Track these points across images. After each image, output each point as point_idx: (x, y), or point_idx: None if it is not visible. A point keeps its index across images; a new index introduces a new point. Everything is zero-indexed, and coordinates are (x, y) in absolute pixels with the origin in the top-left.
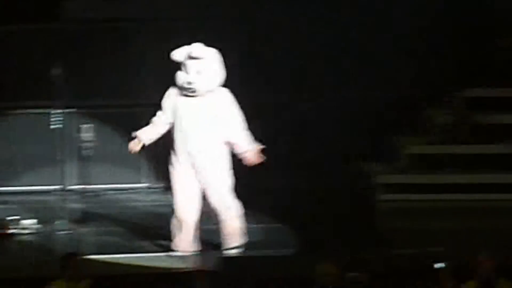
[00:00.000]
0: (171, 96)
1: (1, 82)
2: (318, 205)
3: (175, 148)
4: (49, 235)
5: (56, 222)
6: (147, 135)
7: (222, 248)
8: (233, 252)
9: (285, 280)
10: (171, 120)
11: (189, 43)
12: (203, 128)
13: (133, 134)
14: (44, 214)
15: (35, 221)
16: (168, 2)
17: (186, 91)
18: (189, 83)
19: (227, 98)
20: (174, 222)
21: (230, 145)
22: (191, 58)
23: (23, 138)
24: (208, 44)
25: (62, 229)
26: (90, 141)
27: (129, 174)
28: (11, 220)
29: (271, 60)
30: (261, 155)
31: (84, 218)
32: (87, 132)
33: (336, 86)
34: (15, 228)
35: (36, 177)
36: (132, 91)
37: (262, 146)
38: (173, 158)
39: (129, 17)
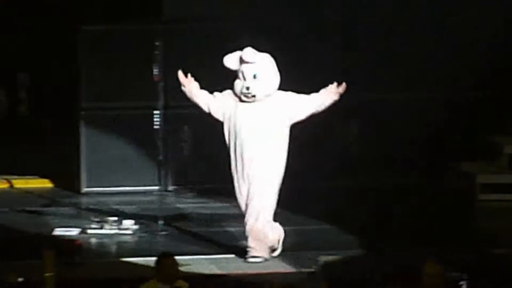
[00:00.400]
0: (227, 97)
1: (104, 83)
2: (416, 204)
3: (232, 154)
4: (149, 235)
5: (156, 223)
6: (196, 85)
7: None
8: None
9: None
10: (216, 115)
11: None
12: (261, 135)
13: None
14: (144, 215)
15: (133, 221)
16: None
17: (245, 97)
18: (247, 88)
19: (286, 95)
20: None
21: (315, 107)
22: (244, 63)
23: (125, 138)
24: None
25: (162, 229)
26: (188, 142)
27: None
28: (113, 220)
29: (363, 59)
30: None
31: (183, 218)
32: (186, 133)
33: (432, 84)
34: (116, 229)
35: (136, 177)
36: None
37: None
38: (232, 164)
39: (229, 16)
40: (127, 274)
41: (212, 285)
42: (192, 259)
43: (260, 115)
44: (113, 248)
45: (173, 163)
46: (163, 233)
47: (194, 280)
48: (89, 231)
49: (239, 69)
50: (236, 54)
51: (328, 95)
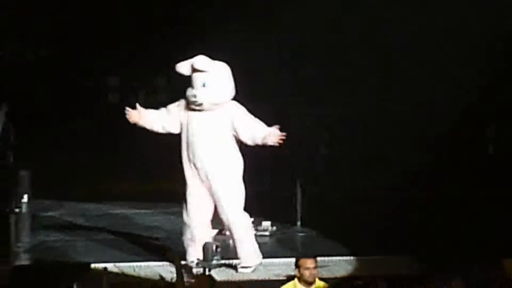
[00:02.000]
0: (181, 107)
1: None
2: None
3: (184, 161)
4: (287, 237)
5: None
6: (147, 114)
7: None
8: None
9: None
10: (173, 130)
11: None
12: (211, 144)
13: (138, 106)
14: (282, 216)
15: (270, 223)
16: None
17: (193, 105)
18: (194, 96)
19: (237, 110)
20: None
21: (251, 140)
22: (195, 70)
23: None
24: None
25: (300, 231)
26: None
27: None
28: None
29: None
30: (281, 134)
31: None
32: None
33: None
34: (254, 230)
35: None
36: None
37: (278, 126)
38: (184, 168)
39: None
40: (266, 275)
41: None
42: (332, 260)
43: (209, 124)
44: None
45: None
46: (301, 234)
47: (333, 282)
48: (226, 232)
49: (191, 77)
50: (189, 61)
51: (270, 137)
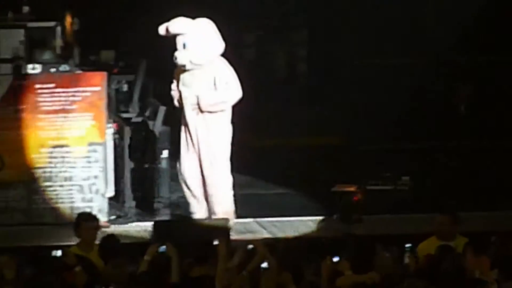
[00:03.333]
0: (177, 69)
1: None
2: None
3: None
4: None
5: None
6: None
7: None
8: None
9: None
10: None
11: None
12: (196, 97)
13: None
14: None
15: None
16: None
17: (175, 63)
18: (175, 58)
19: (221, 70)
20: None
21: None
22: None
23: None
24: None
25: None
26: None
27: None
28: (390, 176)
29: None
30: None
31: None
32: None
33: None
34: (393, 185)
35: None
36: None
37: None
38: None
39: None
40: (404, 230)
41: None
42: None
43: (194, 83)
44: (390, 204)
45: None
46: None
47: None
48: (367, 187)
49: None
50: (167, 24)
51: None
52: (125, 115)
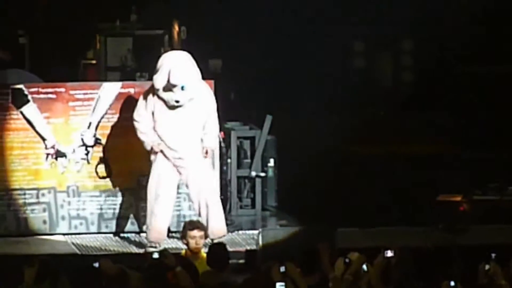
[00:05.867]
0: (149, 102)
1: None
2: None
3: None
4: None
5: None
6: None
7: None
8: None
9: None
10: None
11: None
12: (183, 136)
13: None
14: None
15: None
16: None
17: (171, 106)
18: (177, 101)
19: (211, 106)
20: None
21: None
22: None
23: None
24: None
25: None
26: None
27: None
28: (495, 186)
29: None
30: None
31: None
32: None
33: None
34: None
35: None
36: None
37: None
38: (157, 159)
39: None
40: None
41: None
42: None
43: (185, 116)
44: (493, 213)
45: None
46: None
47: None
48: (474, 197)
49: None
50: (165, 77)
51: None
52: (231, 124)
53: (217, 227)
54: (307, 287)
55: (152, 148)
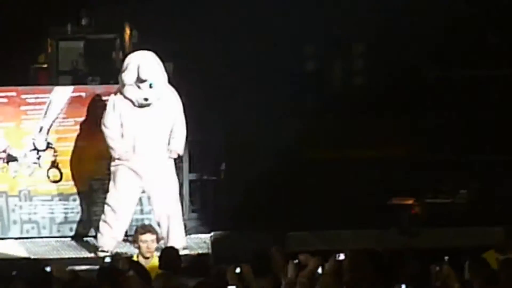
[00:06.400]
0: (116, 106)
1: None
2: None
3: (117, 155)
4: None
5: None
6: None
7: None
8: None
9: None
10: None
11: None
12: (151, 136)
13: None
14: None
15: None
16: None
17: (140, 105)
18: (146, 99)
19: (179, 108)
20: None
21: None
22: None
23: None
24: None
25: None
26: None
27: None
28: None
29: None
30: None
31: None
32: None
33: None
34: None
35: None
36: None
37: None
38: (117, 163)
39: None
40: (462, 243)
41: None
42: None
43: (152, 117)
44: (445, 216)
45: None
46: None
47: None
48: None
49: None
50: (133, 71)
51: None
52: None
53: (178, 239)
54: None
55: (118, 157)
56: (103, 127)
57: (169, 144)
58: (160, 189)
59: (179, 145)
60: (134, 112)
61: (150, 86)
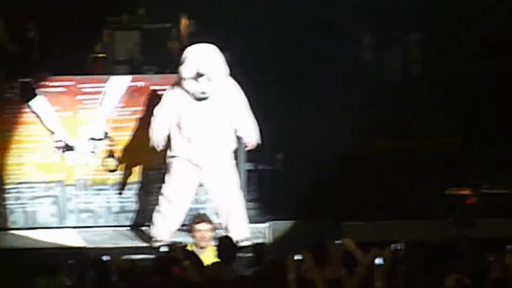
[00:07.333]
0: (174, 97)
1: None
2: None
3: (177, 149)
4: None
5: None
6: (162, 138)
7: None
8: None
9: None
10: (172, 122)
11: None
12: (208, 129)
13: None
14: None
15: None
16: None
17: (198, 98)
18: (203, 92)
19: (237, 98)
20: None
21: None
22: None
23: None
24: None
25: None
26: None
27: None
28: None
29: None
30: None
31: None
32: None
33: None
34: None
35: None
36: None
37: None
38: (173, 154)
39: None
40: None
41: None
42: None
43: (208, 110)
44: (501, 207)
45: None
46: None
47: None
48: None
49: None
50: (193, 67)
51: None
52: None
53: (239, 230)
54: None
55: (151, 147)
56: (152, 115)
57: (240, 136)
58: (219, 181)
59: (253, 136)
60: (192, 104)
61: (209, 80)
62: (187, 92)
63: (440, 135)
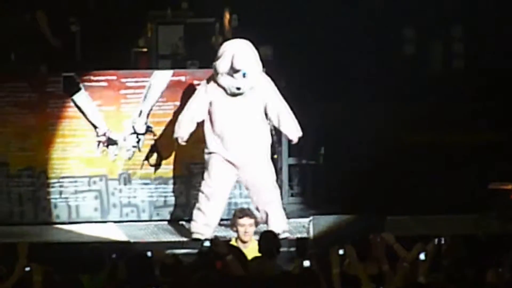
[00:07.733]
0: (208, 91)
1: None
2: None
3: (211, 145)
4: None
5: None
6: (187, 132)
7: None
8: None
9: None
10: (204, 117)
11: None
12: (242, 124)
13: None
14: None
15: None
16: None
17: (232, 93)
18: (238, 88)
19: (270, 92)
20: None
21: (277, 126)
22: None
23: None
24: None
25: None
26: None
27: None
28: None
29: None
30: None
31: None
32: None
33: None
34: None
35: None
36: None
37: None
38: (210, 151)
39: None
40: None
41: None
42: None
43: (242, 105)
44: None
45: None
46: None
47: None
48: None
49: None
50: (227, 59)
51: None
52: None
53: (278, 223)
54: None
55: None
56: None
57: (282, 132)
58: (255, 177)
59: (294, 130)
60: (226, 99)
61: (244, 76)
62: (222, 87)
63: (485, 129)
